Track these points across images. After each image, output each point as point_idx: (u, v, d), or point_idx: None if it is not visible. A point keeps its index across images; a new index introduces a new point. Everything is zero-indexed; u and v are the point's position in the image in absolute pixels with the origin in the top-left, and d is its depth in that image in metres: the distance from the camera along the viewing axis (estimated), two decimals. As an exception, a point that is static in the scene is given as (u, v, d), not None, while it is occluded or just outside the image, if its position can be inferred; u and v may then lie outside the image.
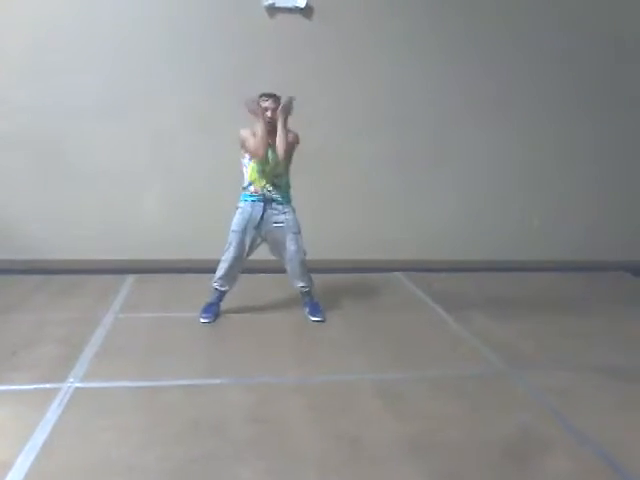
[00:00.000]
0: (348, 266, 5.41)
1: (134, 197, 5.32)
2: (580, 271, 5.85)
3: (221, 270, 4.17)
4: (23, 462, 2.42)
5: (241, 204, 4.09)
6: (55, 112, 5.05)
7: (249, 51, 5.19)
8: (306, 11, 5.17)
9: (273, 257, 4.30)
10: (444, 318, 4.41)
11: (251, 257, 5.49)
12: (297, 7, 5.12)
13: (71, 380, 3.17)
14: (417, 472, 2.49)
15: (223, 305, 4.29)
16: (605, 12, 5.64)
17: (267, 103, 3.94)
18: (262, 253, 5.47)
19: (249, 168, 4.05)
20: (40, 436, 2.62)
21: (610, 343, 4.07)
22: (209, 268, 5.30)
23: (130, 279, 5.04)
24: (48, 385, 3.11)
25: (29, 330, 3.85)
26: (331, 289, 4.85)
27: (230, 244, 4.11)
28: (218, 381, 3.25)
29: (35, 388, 3.09)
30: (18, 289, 4.70)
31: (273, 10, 5.14)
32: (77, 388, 3.09)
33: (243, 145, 4.01)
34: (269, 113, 3.93)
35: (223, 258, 4.16)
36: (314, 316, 4.22)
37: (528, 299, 5.02)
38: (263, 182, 4.01)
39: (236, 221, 4.08)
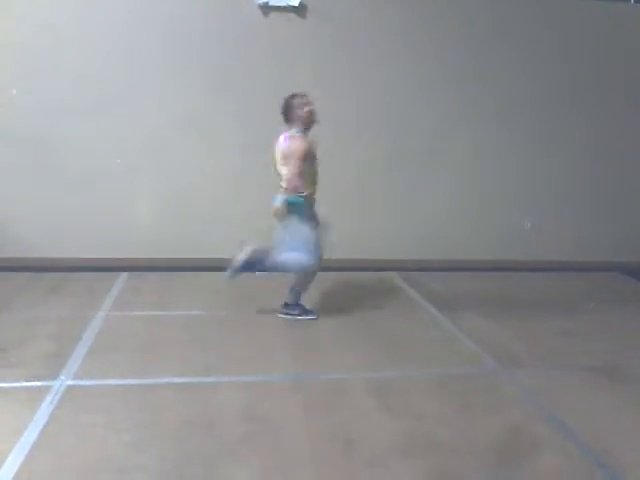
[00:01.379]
0: (342, 265, 5.41)
1: (126, 195, 5.29)
2: (574, 272, 5.87)
3: None
4: (14, 460, 2.41)
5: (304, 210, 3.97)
6: (46, 110, 5.01)
7: (243, 50, 5.17)
8: (300, 10, 5.16)
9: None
10: (437, 317, 4.42)
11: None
12: (291, 6, 5.11)
13: (63, 378, 3.15)
14: (410, 470, 2.50)
15: (216, 303, 4.28)
16: (596, 13, 5.68)
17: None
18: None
19: (305, 174, 3.91)
20: (31, 434, 2.60)
21: (602, 343, 4.09)
22: (201, 266, 5.30)
23: (122, 277, 5.01)
24: (39, 383, 3.09)
25: (20, 328, 3.82)
26: (325, 288, 4.84)
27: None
28: (211, 379, 3.24)
29: (26, 386, 3.07)
30: (8, 287, 4.66)
31: (267, 9, 5.13)
32: (69, 386, 3.08)
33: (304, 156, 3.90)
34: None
35: None
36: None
37: (521, 299, 5.03)
38: (314, 188, 4.03)
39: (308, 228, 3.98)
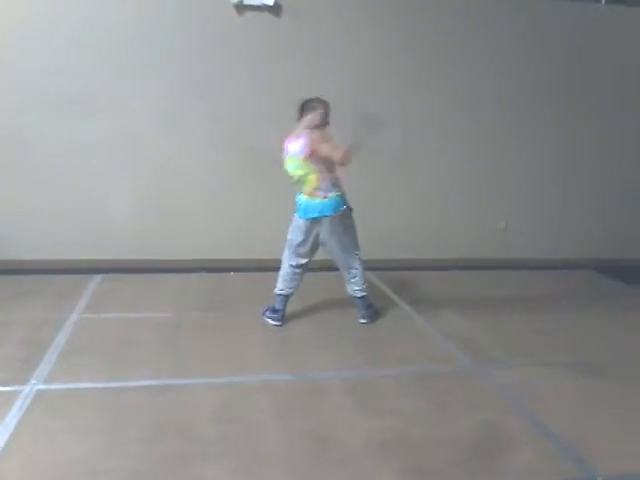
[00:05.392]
0: (316, 266, 5.40)
1: (102, 196, 5.22)
2: (548, 270, 5.93)
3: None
4: (-19, 466, 2.36)
5: None
6: (20, 109, 4.92)
7: (218, 49, 5.14)
8: (275, 9, 5.14)
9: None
10: (412, 316, 4.43)
11: (220, 257, 5.47)
12: (266, 5, 5.08)
13: (33, 382, 3.10)
14: (386, 469, 2.50)
15: (190, 305, 4.24)
16: (573, 16, 5.75)
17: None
18: (230, 253, 5.45)
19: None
20: (0, 439, 2.55)
21: (576, 340, 4.14)
22: (175, 268, 5.26)
23: (96, 279, 4.94)
24: (9, 388, 3.03)
25: (-10, 332, 3.75)
26: (299, 288, 4.81)
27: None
28: (184, 381, 3.21)
29: (-4, 391, 3.02)
30: (-21, 290, 4.58)
31: (241, 8, 5.10)
32: (39, 390, 3.02)
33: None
34: None
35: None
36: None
37: (496, 297, 5.07)
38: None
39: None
